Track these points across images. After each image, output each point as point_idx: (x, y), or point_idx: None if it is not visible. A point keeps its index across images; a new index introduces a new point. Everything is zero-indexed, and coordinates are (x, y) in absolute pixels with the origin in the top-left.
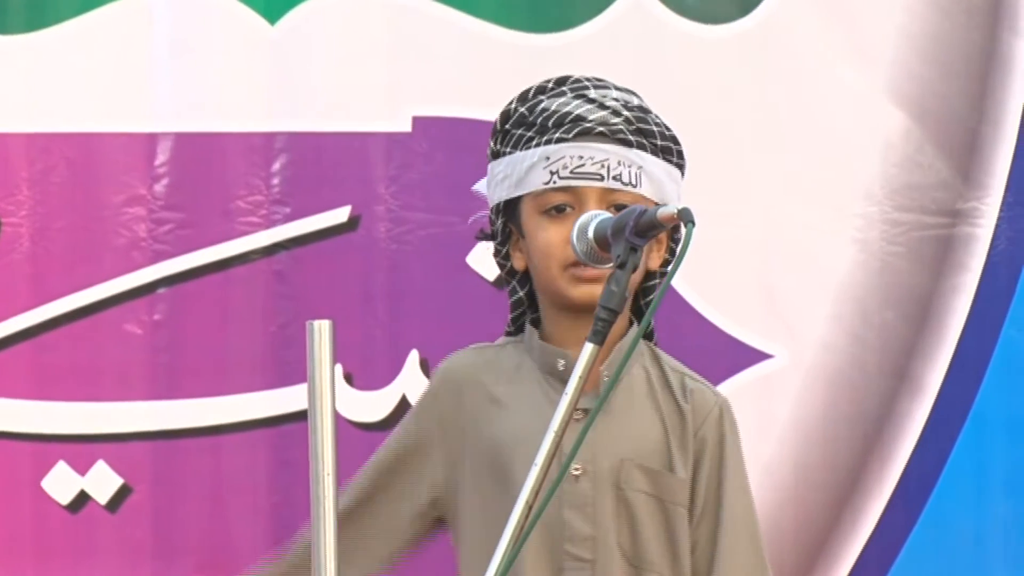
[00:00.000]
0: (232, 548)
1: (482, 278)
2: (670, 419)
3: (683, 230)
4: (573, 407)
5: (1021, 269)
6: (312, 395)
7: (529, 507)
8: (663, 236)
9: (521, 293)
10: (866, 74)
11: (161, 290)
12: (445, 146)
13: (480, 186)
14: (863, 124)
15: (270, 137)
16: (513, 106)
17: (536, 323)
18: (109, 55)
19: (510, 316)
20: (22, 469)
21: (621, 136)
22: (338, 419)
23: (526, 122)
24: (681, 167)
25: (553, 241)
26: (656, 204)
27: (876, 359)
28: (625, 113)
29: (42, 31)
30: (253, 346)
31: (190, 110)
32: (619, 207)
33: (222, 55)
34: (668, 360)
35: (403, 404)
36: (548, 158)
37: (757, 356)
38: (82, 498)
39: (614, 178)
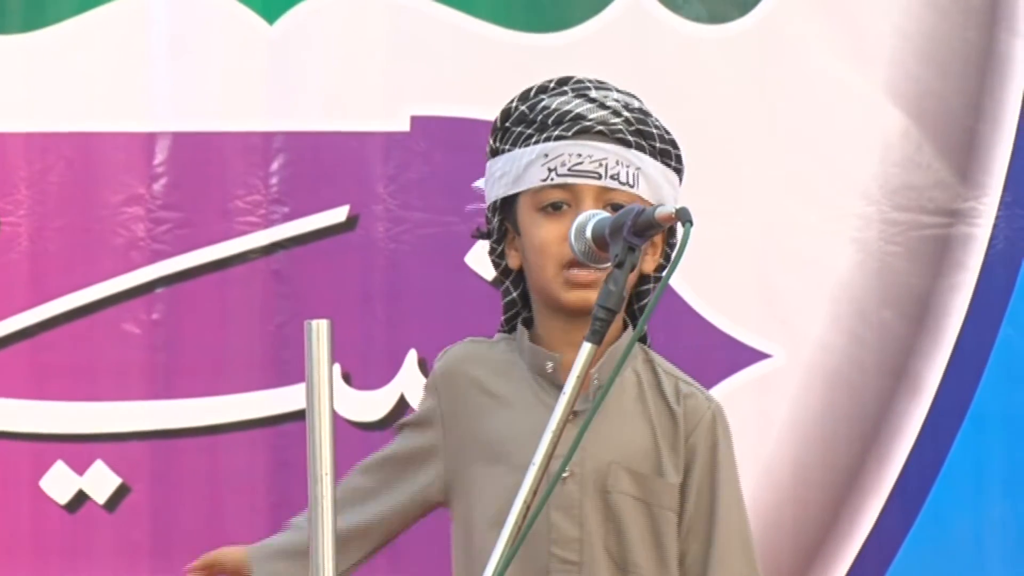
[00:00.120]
0: None
1: (480, 278)
2: (661, 423)
3: (680, 230)
4: (571, 407)
5: (1019, 268)
6: (310, 395)
7: (527, 507)
8: (658, 240)
9: (515, 294)
10: (864, 74)
11: (159, 290)
12: (443, 146)
13: (481, 183)
14: (861, 124)
15: (269, 137)
16: (514, 104)
17: (528, 323)
18: (107, 55)
19: (503, 316)
20: (20, 469)
21: (620, 136)
22: (336, 419)
23: (526, 120)
24: (679, 172)
25: (549, 238)
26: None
27: (874, 358)
28: (625, 114)
29: (40, 31)
30: (251, 346)
31: (188, 110)
32: (616, 207)
33: (221, 55)
34: (662, 363)
35: (401, 403)
36: (547, 155)
37: (755, 355)
38: (80, 498)
39: (611, 177)
